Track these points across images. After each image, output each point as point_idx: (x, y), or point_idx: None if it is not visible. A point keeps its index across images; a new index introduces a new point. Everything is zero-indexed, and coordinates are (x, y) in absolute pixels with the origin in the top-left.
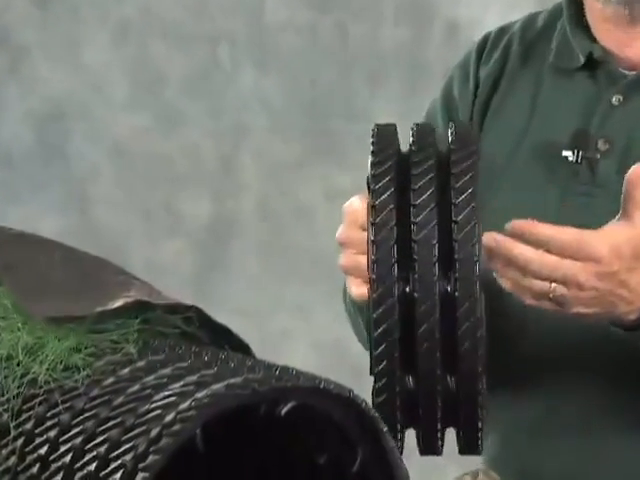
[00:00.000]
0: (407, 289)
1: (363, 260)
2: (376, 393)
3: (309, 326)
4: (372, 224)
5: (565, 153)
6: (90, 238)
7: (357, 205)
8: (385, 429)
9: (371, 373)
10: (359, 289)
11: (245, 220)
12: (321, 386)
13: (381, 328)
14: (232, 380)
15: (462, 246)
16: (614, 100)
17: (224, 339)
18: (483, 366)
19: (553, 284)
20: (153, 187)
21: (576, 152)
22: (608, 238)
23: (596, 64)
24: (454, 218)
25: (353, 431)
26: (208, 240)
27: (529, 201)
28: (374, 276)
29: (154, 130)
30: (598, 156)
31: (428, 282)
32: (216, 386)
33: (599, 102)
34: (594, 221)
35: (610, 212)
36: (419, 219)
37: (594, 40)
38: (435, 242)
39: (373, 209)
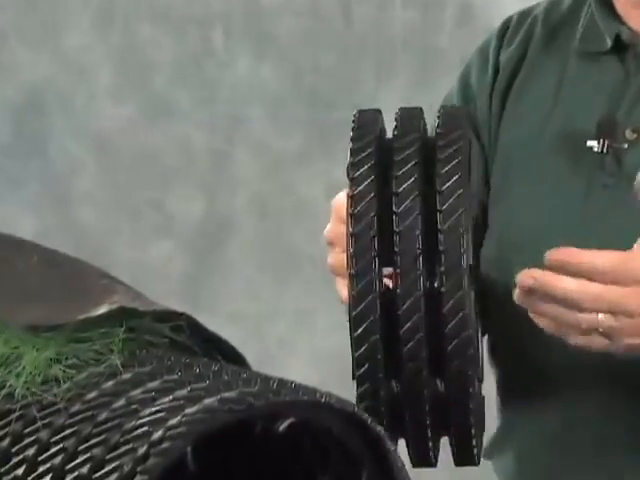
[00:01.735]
0: (389, 284)
1: None
2: (359, 399)
3: (310, 335)
4: (350, 215)
5: (590, 143)
6: (71, 239)
7: (345, 200)
8: (393, 448)
9: (353, 378)
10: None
11: (240, 219)
12: (322, 401)
13: (362, 327)
14: (226, 394)
15: (448, 237)
16: None
17: (217, 349)
18: (474, 367)
19: (600, 315)
20: (140, 184)
21: (602, 142)
22: None
23: (624, 47)
24: (439, 207)
25: (357, 449)
26: (200, 241)
27: (550, 195)
28: (353, 271)
29: (141, 122)
30: (625, 146)
31: (411, 276)
32: (208, 400)
33: (627, 88)
34: (621, 216)
35: (638, 206)
36: (401, 209)
37: (622, 22)
38: (418, 233)
39: (352, 199)
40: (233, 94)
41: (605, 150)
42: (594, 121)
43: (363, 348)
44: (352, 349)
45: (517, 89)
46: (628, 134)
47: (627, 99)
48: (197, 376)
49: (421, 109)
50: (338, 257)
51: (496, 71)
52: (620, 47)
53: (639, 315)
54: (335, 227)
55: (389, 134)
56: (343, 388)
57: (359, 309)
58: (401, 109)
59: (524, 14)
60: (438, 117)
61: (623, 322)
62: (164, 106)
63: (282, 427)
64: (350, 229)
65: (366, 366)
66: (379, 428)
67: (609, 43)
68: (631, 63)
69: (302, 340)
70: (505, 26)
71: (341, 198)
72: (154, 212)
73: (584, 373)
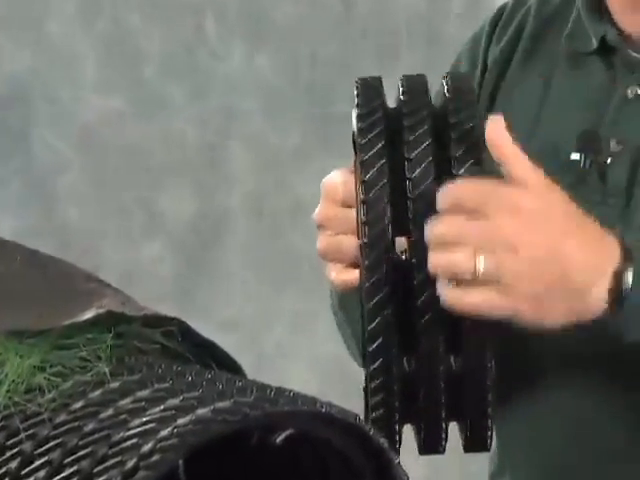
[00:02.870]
0: (404, 256)
1: (345, 241)
2: (370, 377)
3: (309, 340)
4: (362, 182)
5: (574, 156)
6: (55, 240)
7: (336, 180)
8: (395, 459)
9: (364, 355)
10: (340, 275)
11: (235, 218)
12: (322, 411)
13: (374, 300)
14: (220, 404)
15: None
16: (629, 93)
17: (210, 356)
18: (491, 342)
19: (478, 258)
20: (128, 181)
21: (583, 156)
22: (529, 188)
23: (611, 49)
24: (455, 172)
25: (358, 460)
26: (192, 242)
27: None
28: (365, 240)
29: (129, 115)
30: (609, 160)
31: (427, 244)
32: (201, 411)
33: (613, 95)
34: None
35: (623, 223)
36: (415, 174)
37: (610, 22)
38: (434, 199)
39: (362, 165)
40: (227, 86)
41: (588, 165)
42: (577, 132)
43: (376, 322)
44: (364, 323)
45: (505, 92)
46: (613, 146)
47: (612, 107)
48: (189, 385)
49: (425, 77)
50: (329, 240)
51: (485, 68)
52: (606, 48)
53: (526, 244)
54: (325, 208)
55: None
56: (344, 396)
57: (371, 281)
58: (405, 76)
59: (519, 2)
60: (446, 83)
61: (504, 258)
62: (154, 99)
63: (280, 439)
64: (362, 196)
65: (379, 340)
66: (381, 439)
67: (594, 44)
68: (619, 66)
69: (301, 345)
70: (499, 14)
71: (332, 178)
72: (143, 211)
73: (580, 386)
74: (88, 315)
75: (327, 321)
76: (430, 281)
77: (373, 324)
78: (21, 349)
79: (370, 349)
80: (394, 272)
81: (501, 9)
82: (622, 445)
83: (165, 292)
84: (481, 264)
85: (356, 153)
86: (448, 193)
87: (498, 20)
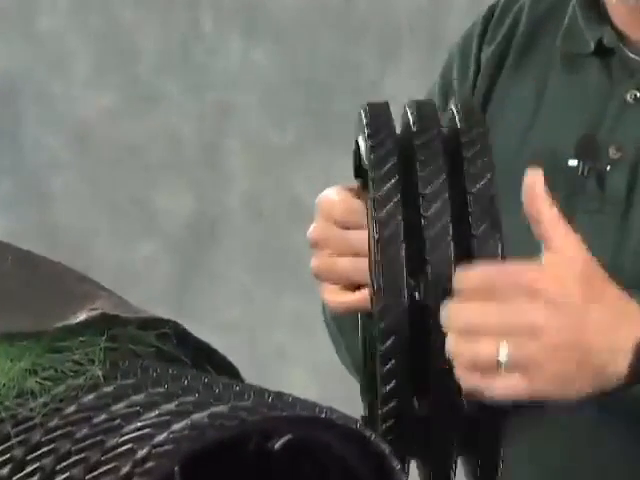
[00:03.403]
0: (417, 295)
1: (340, 263)
2: (381, 419)
3: (309, 343)
4: (375, 220)
5: (571, 163)
6: (47, 239)
7: (333, 198)
8: (397, 465)
9: (375, 397)
10: (334, 297)
11: (232, 218)
12: (322, 416)
13: (389, 342)
14: (216, 409)
15: (482, 243)
16: (629, 97)
17: (207, 359)
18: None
19: (500, 345)
20: (122, 179)
21: (581, 164)
22: (545, 269)
23: (608, 50)
24: (470, 209)
25: (360, 469)
26: (188, 242)
27: (526, 223)
28: (380, 282)
29: (123, 112)
30: (608, 167)
31: (442, 287)
32: (197, 416)
33: (611, 99)
34: (605, 245)
35: (621, 233)
36: (430, 212)
37: (608, 22)
38: (450, 239)
39: (375, 202)
40: (223, 81)
41: (586, 172)
42: (575, 138)
43: (390, 364)
44: (376, 364)
45: (498, 95)
46: (612, 152)
47: (610, 112)
48: (185, 389)
49: (434, 104)
50: (323, 261)
51: (477, 69)
52: (604, 50)
53: (550, 331)
54: (321, 228)
55: (398, 128)
56: (346, 401)
57: (387, 323)
58: (415, 102)
59: (512, 0)
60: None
61: (526, 344)
62: (148, 95)
63: (278, 444)
64: (375, 235)
65: (392, 384)
66: (383, 445)
67: (592, 46)
68: (617, 69)
69: (301, 348)
70: (490, 13)
71: (328, 195)
72: (138, 210)
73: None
74: (81, 317)
75: None
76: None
77: (386, 367)
78: (12, 352)
79: (383, 392)
80: (409, 314)
81: (492, 7)
82: (622, 462)
83: (160, 294)
84: (504, 352)
85: (359, 175)
86: (466, 276)
87: (490, 19)
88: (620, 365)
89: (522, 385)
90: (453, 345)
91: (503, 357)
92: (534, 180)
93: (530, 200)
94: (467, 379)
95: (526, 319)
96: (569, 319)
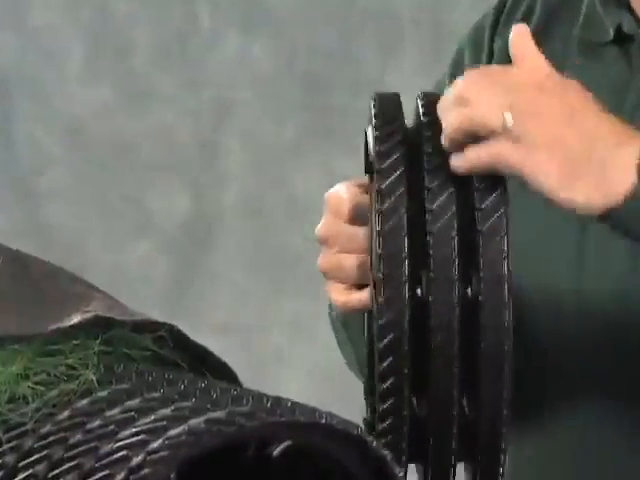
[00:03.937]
0: (419, 291)
1: (348, 261)
2: (379, 418)
3: (308, 346)
4: (378, 212)
5: None
6: (39, 239)
7: (342, 194)
8: (398, 471)
9: (372, 394)
10: (341, 296)
11: (229, 217)
12: (322, 421)
13: (388, 338)
14: (213, 414)
15: (488, 239)
16: None
17: (204, 363)
18: (509, 388)
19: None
20: (117, 178)
21: None
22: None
23: (628, 38)
24: (478, 205)
25: (361, 475)
26: (184, 242)
27: (542, 223)
28: (380, 275)
29: (118, 108)
30: None
31: (445, 283)
32: (194, 421)
33: (630, 87)
34: (622, 245)
35: None
36: (435, 206)
37: (627, 8)
38: (454, 234)
39: (379, 194)
40: (220, 77)
41: None
42: None
43: (389, 360)
44: (375, 360)
45: None
46: None
47: (629, 101)
48: (182, 394)
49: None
50: (331, 258)
51: (491, 54)
52: (623, 38)
53: (544, 111)
54: (330, 224)
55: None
56: (345, 406)
57: (386, 318)
58: (424, 94)
59: None
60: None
61: (526, 117)
62: (143, 91)
63: (277, 451)
64: (377, 227)
65: (391, 380)
66: (383, 450)
67: (611, 34)
68: (636, 57)
69: (299, 352)
70: (502, 3)
71: (337, 191)
72: (133, 210)
73: (602, 392)
74: (74, 320)
75: (328, 325)
76: (444, 323)
77: (386, 362)
78: (3, 356)
79: (380, 389)
80: (409, 309)
81: None
82: (628, 467)
83: (155, 295)
84: (509, 117)
85: (369, 171)
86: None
87: (501, 9)
88: (627, 160)
89: (519, 152)
90: (454, 111)
91: (509, 121)
92: (519, 30)
93: (516, 46)
94: (453, 141)
95: (527, 95)
96: (570, 107)
